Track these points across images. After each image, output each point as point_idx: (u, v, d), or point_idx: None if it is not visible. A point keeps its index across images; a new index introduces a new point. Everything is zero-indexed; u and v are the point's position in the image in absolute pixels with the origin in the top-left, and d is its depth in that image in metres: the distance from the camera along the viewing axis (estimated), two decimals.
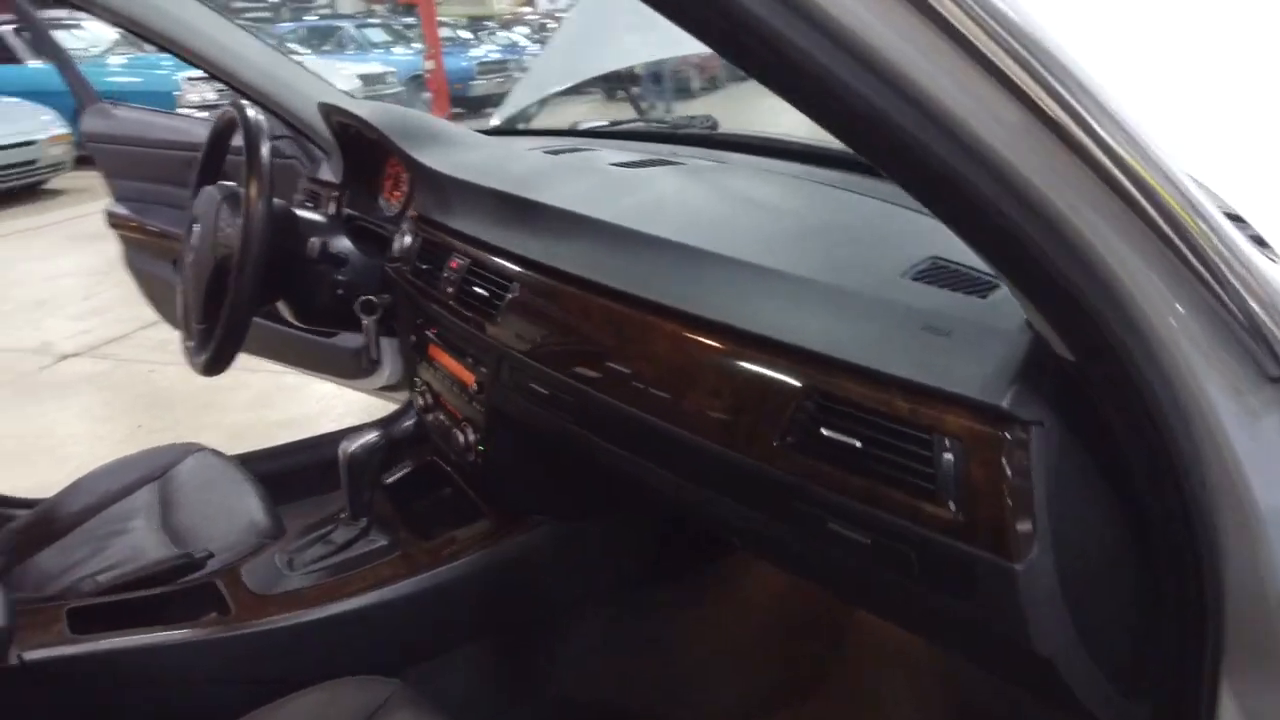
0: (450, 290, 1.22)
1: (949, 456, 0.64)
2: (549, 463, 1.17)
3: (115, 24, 1.58)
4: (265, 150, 1.33)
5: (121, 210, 2.59)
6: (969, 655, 0.77)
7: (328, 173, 1.81)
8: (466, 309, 1.17)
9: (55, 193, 7.11)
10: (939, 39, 0.45)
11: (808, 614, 1.57)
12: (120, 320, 4.09)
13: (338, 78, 4.86)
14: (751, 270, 0.84)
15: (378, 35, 12.65)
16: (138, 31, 1.56)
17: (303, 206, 1.65)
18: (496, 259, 1.14)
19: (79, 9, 1.54)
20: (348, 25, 12.84)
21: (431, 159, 1.37)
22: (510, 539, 1.21)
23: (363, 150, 1.66)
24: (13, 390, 3.46)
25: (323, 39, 12.30)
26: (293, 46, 10.89)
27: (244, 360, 1.44)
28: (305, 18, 14.80)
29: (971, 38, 0.45)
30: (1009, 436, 0.61)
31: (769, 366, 0.77)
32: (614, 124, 1.78)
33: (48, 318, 4.26)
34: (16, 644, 0.95)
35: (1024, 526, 0.61)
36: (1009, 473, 0.61)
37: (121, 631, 1.01)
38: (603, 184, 1.20)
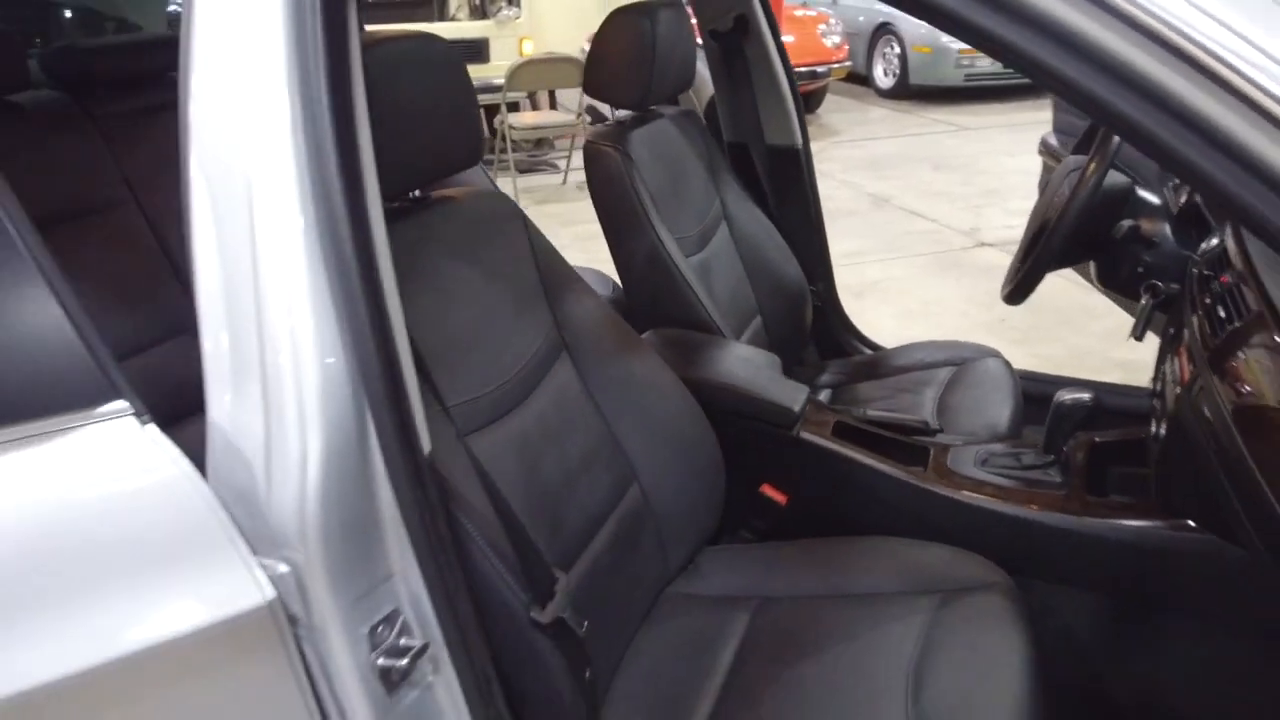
0: (1207, 301, 1.30)
1: None
2: (1230, 479, 1.20)
3: None
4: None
5: (1053, 141, 2.98)
6: None
7: None
8: (1208, 322, 1.26)
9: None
10: None
11: None
12: None
13: None
14: None
15: None
16: None
17: (1158, 185, 1.79)
18: (1253, 285, 1.19)
19: None
20: None
21: None
22: (1164, 531, 1.31)
23: None
24: (935, 260, 4.34)
25: None
26: None
27: None
28: None
29: None
30: None
31: None
32: None
33: (988, 207, 5.03)
34: (801, 425, 1.55)
35: None
36: None
37: (859, 448, 1.53)
38: None
